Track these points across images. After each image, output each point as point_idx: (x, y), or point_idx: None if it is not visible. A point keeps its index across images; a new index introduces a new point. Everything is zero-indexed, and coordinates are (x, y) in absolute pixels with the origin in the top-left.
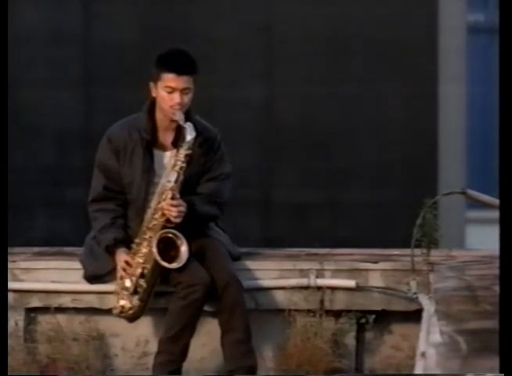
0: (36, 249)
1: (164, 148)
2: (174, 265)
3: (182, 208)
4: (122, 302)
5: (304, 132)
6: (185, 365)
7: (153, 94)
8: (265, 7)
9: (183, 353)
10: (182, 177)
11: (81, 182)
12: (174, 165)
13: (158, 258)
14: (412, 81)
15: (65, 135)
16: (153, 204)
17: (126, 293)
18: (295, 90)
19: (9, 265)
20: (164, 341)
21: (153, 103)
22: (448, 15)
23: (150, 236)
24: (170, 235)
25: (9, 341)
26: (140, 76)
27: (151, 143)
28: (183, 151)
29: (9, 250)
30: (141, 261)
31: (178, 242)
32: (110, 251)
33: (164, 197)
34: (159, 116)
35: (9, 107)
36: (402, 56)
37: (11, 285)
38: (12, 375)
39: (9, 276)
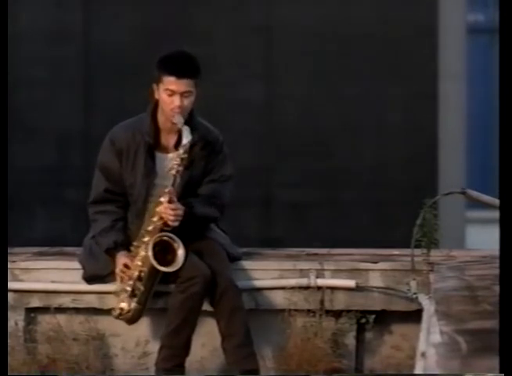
0: (36, 249)
1: (166, 150)
2: (169, 269)
3: (180, 212)
4: (121, 305)
5: (303, 132)
6: (186, 365)
7: (156, 96)
8: (264, 7)
9: (185, 348)
10: (178, 180)
11: (81, 182)
12: (171, 169)
13: (154, 262)
14: (412, 81)
15: (65, 135)
16: (150, 207)
17: (125, 295)
18: (295, 90)
19: (9, 265)
20: (165, 335)
21: (156, 105)
22: (448, 15)
23: (148, 240)
24: (166, 238)
25: (9, 341)
26: (140, 76)
27: (153, 146)
28: (180, 155)
29: (9, 250)
30: (139, 264)
31: (175, 245)
32: (111, 253)
33: (161, 200)
34: (161, 118)
35: (9, 107)
36: (402, 56)
37: (11, 285)
38: (12, 375)
39: (9, 276)
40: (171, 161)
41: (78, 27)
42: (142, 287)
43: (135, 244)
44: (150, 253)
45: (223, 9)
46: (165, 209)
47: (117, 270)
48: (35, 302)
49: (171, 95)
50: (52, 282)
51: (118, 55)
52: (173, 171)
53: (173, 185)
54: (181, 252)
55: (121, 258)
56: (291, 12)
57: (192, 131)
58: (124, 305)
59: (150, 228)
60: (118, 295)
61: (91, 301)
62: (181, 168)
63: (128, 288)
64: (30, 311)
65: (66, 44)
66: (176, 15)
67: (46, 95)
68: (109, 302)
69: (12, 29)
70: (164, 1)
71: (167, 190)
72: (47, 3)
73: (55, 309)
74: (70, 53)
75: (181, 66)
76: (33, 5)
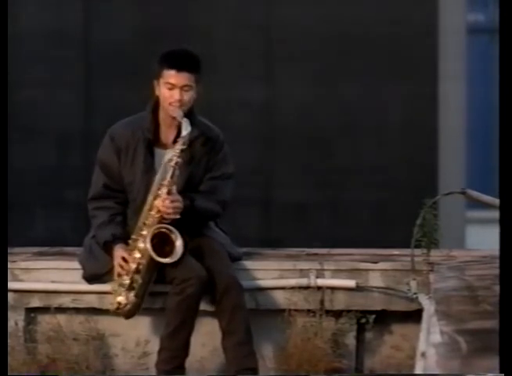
0: (36, 249)
1: (165, 146)
2: (168, 260)
3: (178, 204)
4: (119, 298)
5: (303, 132)
6: (186, 365)
7: (157, 92)
8: (264, 7)
9: (184, 349)
10: (177, 172)
11: (81, 182)
12: (170, 160)
13: (152, 253)
14: (412, 81)
15: (65, 135)
16: (149, 199)
17: (123, 289)
18: (295, 90)
19: (9, 265)
20: (164, 337)
21: (157, 101)
22: (448, 15)
23: (146, 233)
24: (164, 230)
25: (9, 341)
26: (140, 76)
27: (153, 142)
28: (179, 146)
29: (9, 250)
30: (138, 256)
31: (173, 237)
32: (108, 247)
33: (159, 192)
34: (162, 114)
35: (9, 107)
36: (402, 56)
37: (11, 285)
38: (12, 375)
39: (9, 276)
40: (170, 153)
41: (78, 27)
42: (140, 280)
43: (133, 237)
44: (148, 245)
45: (223, 9)
46: (163, 202)
47: (115, 263)
48: (35, 302)
49: (171, 89)
50: (52, 282)
51: (118, 55)
52: (172, 163)
53: (172, 177)
54: (179, 243)
55: (119, 251)
56: (291, 12)
57: (192, 126)
58: (121, 298)
59: (148, 220)
60: (116, 289)
61: (91, 301)
62: (180, 160)
63: (126, 281)
64: (30, 311)
65: (66, 44)
66: (176, 15)
67: (46, 95)
68: (110, 302)
69: (12, 29)
70: (164, 0)
71: (165, 182)
72: (47, 3)
73: (55, 309)
74: (70, 53)
75: (181, 59)
76: (33, 5)
